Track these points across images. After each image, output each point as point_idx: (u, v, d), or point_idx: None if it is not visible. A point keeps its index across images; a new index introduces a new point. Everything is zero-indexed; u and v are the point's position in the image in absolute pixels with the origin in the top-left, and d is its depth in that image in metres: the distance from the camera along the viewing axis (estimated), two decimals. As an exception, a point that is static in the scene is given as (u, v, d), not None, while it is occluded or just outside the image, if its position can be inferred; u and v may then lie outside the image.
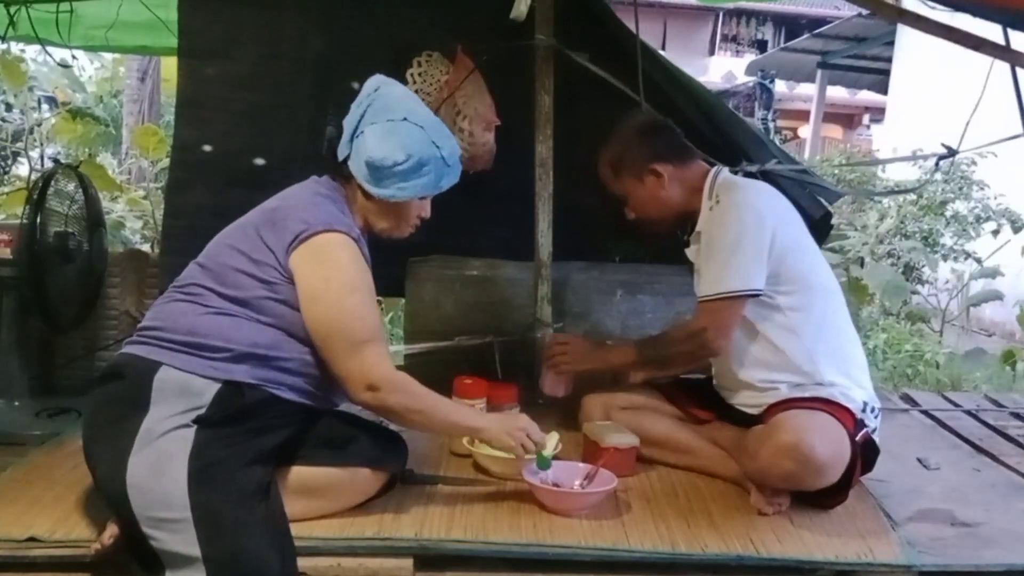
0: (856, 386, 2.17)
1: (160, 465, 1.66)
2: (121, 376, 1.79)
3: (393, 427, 2.07)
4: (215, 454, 1.70)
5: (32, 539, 1.78)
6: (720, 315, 2.11)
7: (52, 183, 2.63)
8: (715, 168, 2.29)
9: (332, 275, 1.83)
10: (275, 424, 1.81)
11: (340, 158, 1.97)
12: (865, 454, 2.11)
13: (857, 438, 2.06)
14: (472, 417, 2.07)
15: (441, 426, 1.99)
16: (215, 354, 1.77)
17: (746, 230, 2.09)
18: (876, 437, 2.17)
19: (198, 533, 1.61)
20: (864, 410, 2.14)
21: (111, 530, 1.73)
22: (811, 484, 2.00)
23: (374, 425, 2.02)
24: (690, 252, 2.31)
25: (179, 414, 1.72)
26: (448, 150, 1.97)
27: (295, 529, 1.78)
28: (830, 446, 1.97)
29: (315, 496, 1.89)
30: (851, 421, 2.07)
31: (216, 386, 1.75)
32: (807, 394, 2.11)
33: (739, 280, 2.09)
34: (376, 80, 2.02)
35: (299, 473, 1.87)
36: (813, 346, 2.14)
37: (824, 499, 2.04)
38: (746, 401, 2.25)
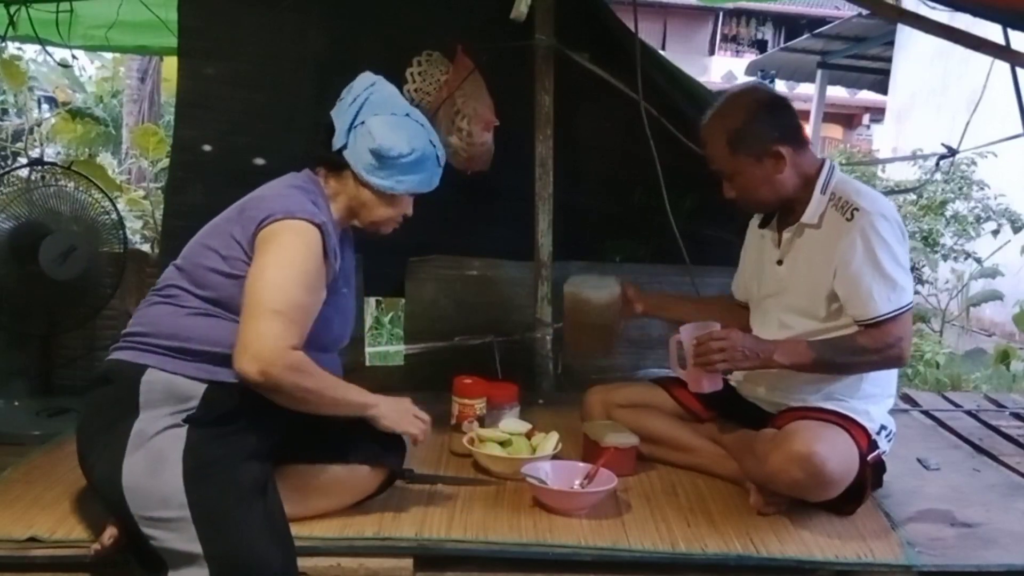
0: (882, 409, 2.17)
1: (155, 465, 1.67)
2: (110, 381, 1.80)
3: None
4: (210, 452, 1.70)
5: (32, 539, 1.78)
6: (907, 325, 2.05)
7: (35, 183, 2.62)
8: (828, 161, 2.15)
9: (272, 251, 1.78)
10: (267, 422, 1.81)
11: (334, 148, 1.95)
12: (875, 473, 2.12)
13: (869, 458, 2.06)
14: (362, 394, 1.90)
15: (331, 405, 1.83)
16: (197, 357, 1.77)
17: (901, 242, 2.05)
18: (886, 458, 2.18)
19: (198, 530, 1.61)
20: (879, 432, 2.13)
21: (111, 531, 1.73)
22: (815, 496, 2.01)
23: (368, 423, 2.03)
24: (766, 236, 2.23)
25: (169, 415, 1.72)
26: (441, 151, 2.00)
27: (295, 529, 1.78)
28: (841, 463, 1.97)
29: (314, 494, 1.89)
30: (865, 440, 2.07)
31: (202, 387, 1.75)
32: (829, 405, 2.10)
33: (909, 292, 2.05)
34: (370, 76, 2.02)
35: (297, 471, 1.88)
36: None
37: (833, 506, 2.04)
38: (768, 398, 2.24)
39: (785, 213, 2.18)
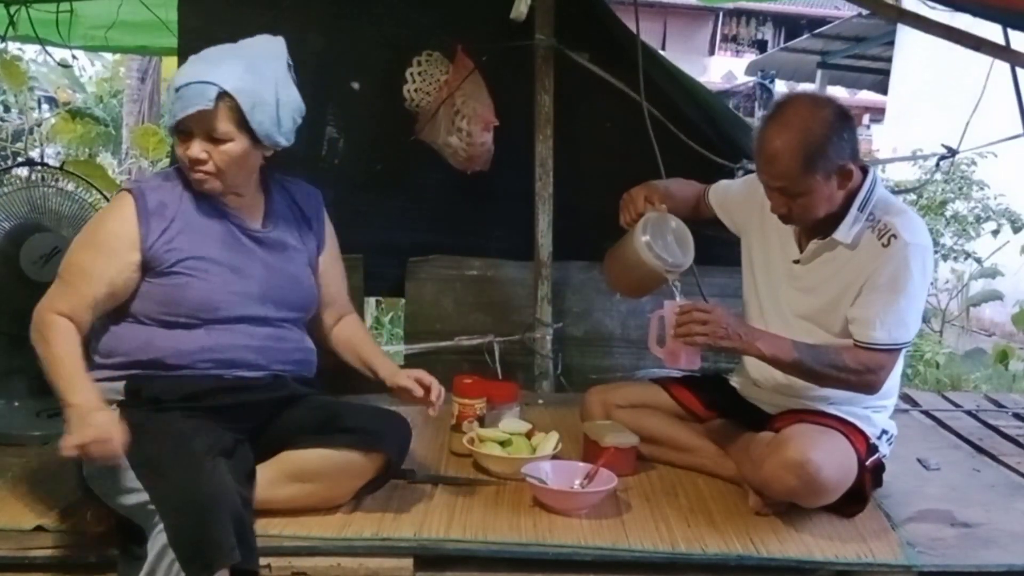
0: (884, 414, 2.16)
1: None
2: None
3: (393, 408, 2.07)
4: (141, 417, 1.76)
5: (39, 528, 1.81)
6: (892, 361, 2.02)
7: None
8: (872, 173, 2.03)
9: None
10: (196, 398, 1.84)
11: None
12: (874, 475, 2.13)
13: (868, 463, 2.06)
14: (74, 391, 1.73)
15: (51, 381, 1.78)
16: (107, 366, 1.87)
17: (925, 279, 2.01)
18: (887, 461, 2.17)
19: (141, 481, 1.65)
20: (880, 436, 2.13)
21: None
22: (811, 503, 2.00)
23: (368, 408, 2.02)
24: (784, 244, 2.14)
25: None
26: (183, 79, 1.84)
27: (295, 528, 1.79)
28: (836, 469, 1.96)
29: (308, 480, 1.88)
30: (864, 445, 2.06)
31: (121, 383, 1.85)
32: (830, 409, 2.09)
33: (913, 331, 2.03)
34: None
35: (289, 457, 1.88)
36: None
37: (834, 508, 2.03)
38: (769, 399, 2.23)
39: (814, 226, 2.07)
